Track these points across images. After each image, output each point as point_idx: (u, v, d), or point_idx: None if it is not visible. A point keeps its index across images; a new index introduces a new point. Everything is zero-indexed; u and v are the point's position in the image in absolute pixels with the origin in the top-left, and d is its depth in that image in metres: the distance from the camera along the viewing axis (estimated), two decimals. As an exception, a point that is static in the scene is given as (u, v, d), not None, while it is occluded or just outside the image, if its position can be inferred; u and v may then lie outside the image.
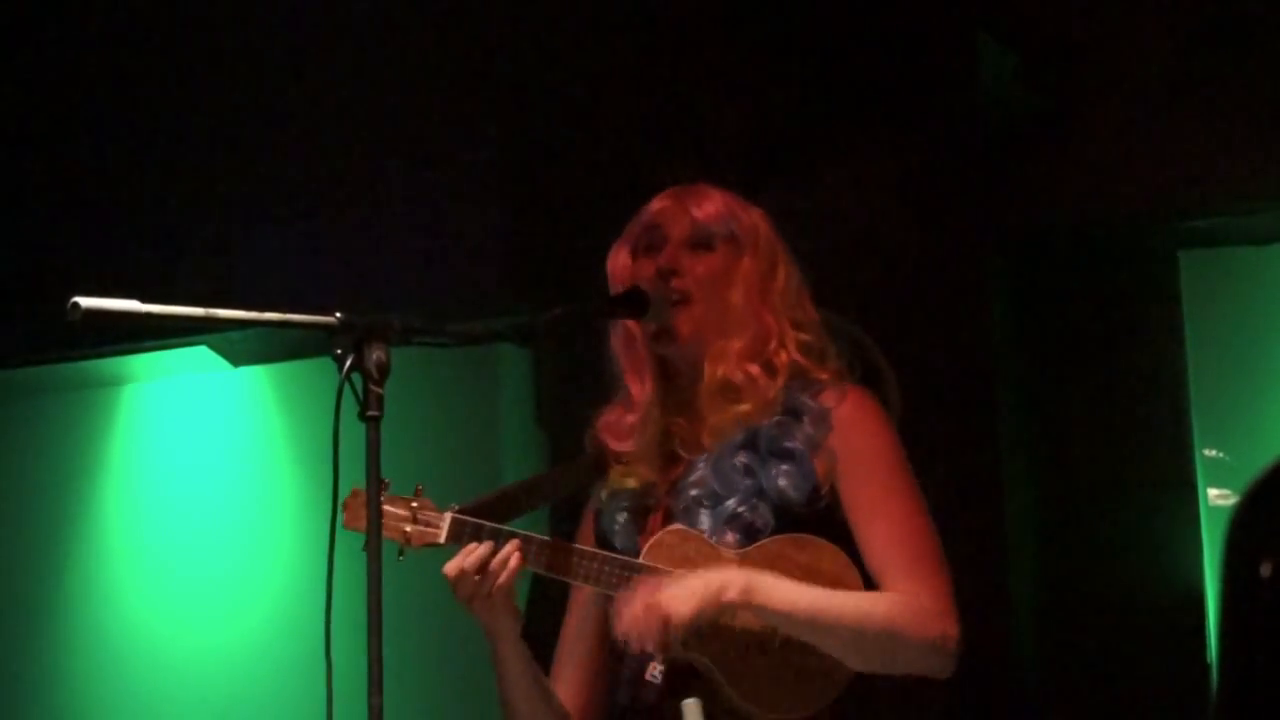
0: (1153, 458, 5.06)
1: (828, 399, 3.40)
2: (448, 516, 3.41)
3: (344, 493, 3.09)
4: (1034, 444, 5.11)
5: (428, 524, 3.41)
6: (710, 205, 3.51)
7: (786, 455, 3.36)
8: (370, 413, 2.94)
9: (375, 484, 2.95)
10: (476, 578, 3.32)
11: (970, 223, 4.99)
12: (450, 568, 3.34)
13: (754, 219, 3.53)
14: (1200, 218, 5.05)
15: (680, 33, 5.18)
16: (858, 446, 3.37)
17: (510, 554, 3.33)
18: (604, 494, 3.52)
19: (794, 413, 3.39)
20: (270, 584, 5.99)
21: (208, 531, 6.15)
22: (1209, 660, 4.86)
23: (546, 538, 3.40)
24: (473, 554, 3.34)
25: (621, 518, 3.47)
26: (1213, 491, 5.01)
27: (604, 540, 3.48)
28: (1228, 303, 5.11)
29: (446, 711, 5.44)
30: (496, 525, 3.39)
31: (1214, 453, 5.04)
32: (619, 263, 3.54)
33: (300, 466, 6.00)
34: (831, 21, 5.04)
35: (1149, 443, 5.06)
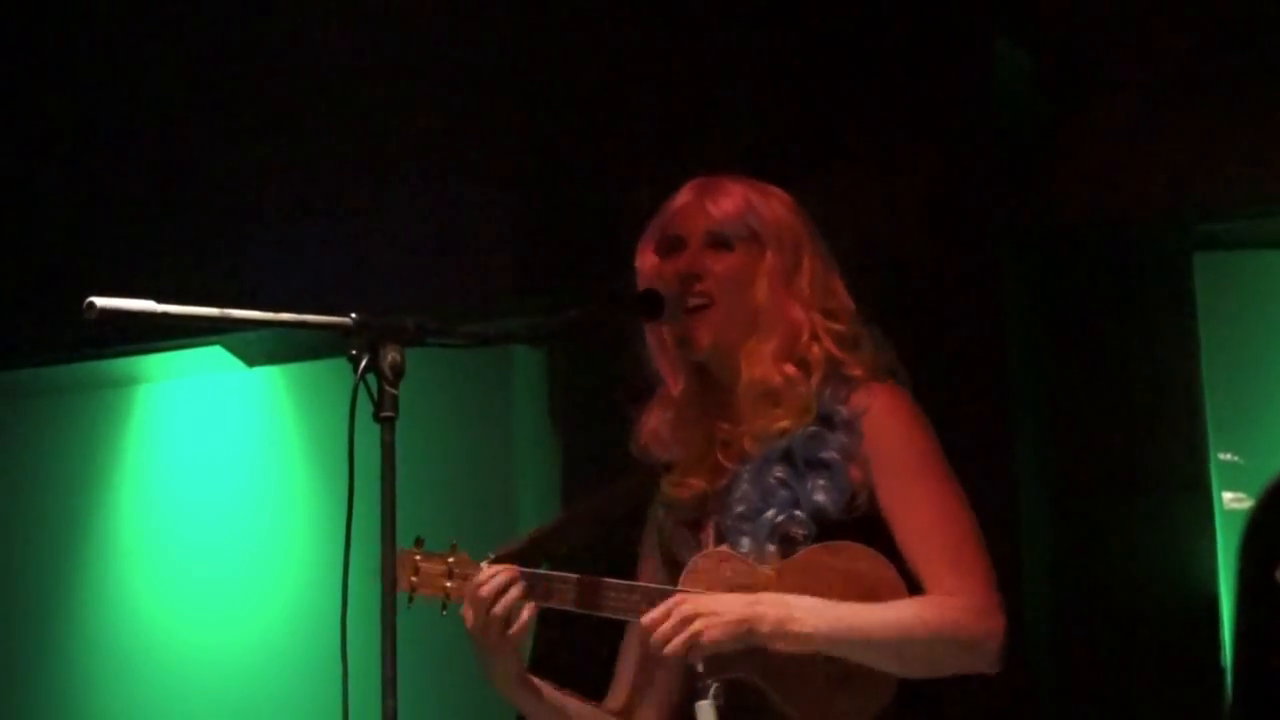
0: (1167, 461, 5.05)
1: (858, 402, 3.38)
2: (483, 566, 3.42)
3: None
4: (1048, 447, 5.10)
5: (465, 577, 3.42)
6: (728, 202, 3.49)
7: (822, 467, 3.35)
8: (385, 414, 2.95)
9: (390, 485, 2.94)
10: (486, 609, 3.34)
11: (984, 225, 4.98)
12: (467, 605, 3.37)
13: (775, 210, 3.50)
14: (1215, 221, 5.05)
15: (693, 34, 5.18)
16: (890, 449, 3.35)
17: (513, 585, 3.35)
18: (659, 508, 3.52)
19: (827, 420, 3.38)
20: (284, 585, 5.99)
21: (222, 532, 6.16)
22: (1224, 663, 4.86)
23: (575, 575, 3.40)
24: (489, 584, 3.36)
25: (679, 534, 3.46)
26: (1227, 495, 5.01)
27: (668, 554, 3.49)
28: (1242, 306, 5.11)
29: (461, 714, 5.44)
30: (534, 570, 3.40)
31: (1228, 456, 5.04)
32: (645, 262, 3.52)
33: (315, 467, 6.00)
34: (844, 24, 5.04)
35: (1163, 446, 5.06)
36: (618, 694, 3.56)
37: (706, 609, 3.24)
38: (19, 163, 5.93)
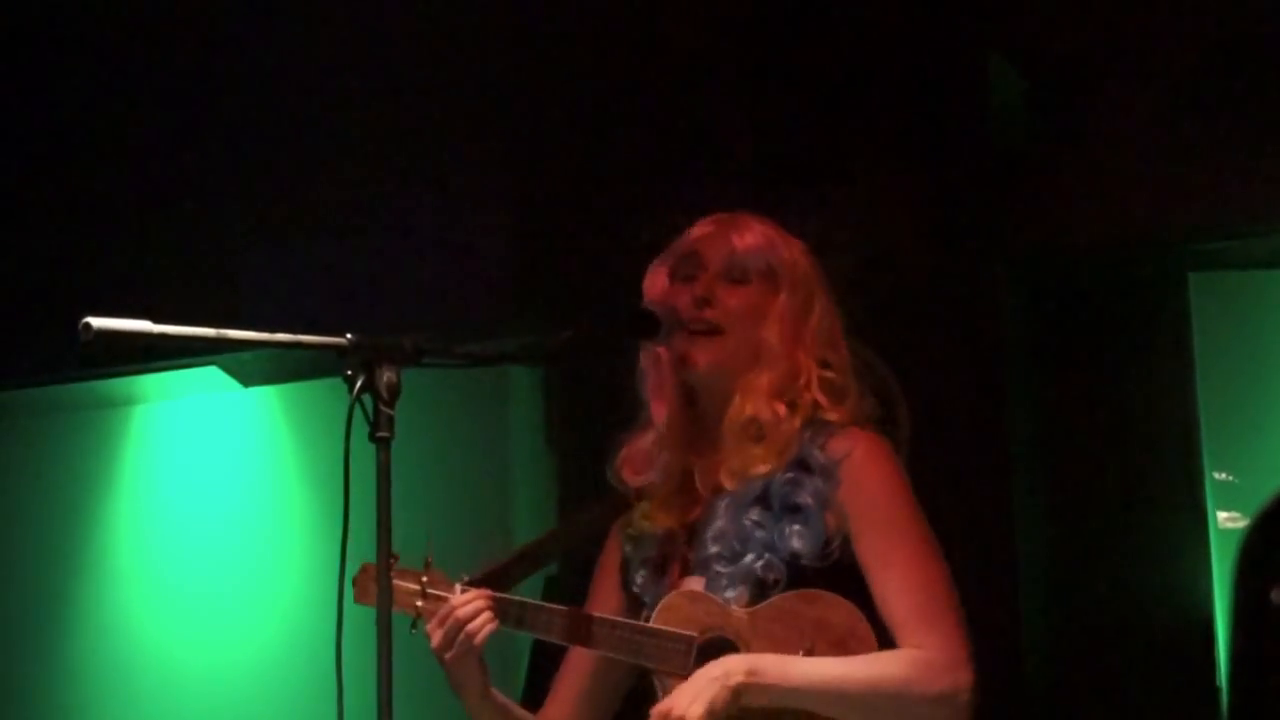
0: (1162, 480, 5.05)
1: (836, 449, 3.38)
2: (457, 589, 3.43)
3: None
4: (1044, 465, 5.11)
5: (439, 597, 3.43)
6: (750, 237, 3.49)
7: (797, 511, 3.35)
8: (380, 434, 2.95)
9: (385, 505, 2.94)
10: (455, 634, 3.37)
11: (981, 245, 4.99)
12: (435, 625, 3.40)
13: (794, 253, 3.51)
14: (1210, 240, 5.05)
15: (692, 55, 5.18)
16: (866, 498, 3.35)
17: (483, 612, 3.37)
18: (627, 543, 3.52)
19: (804, 464, 3.38)
20: (280, 604, 5.99)
21: (218, 552, 6.16)
22: (1219, 683, 4.86)
23: (558, 606, 3.42)
24: (462, 609, 3.38)
25: (644, 572, 3.47)
26: (1222, 514, 5.01)
27: (629, 590, 3.50)
28: (1237, 325, 5.11)
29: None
30: (507, 596, 3.41)
31: (1223, 475, 5.04)
32: (656, 284, 3.52)
33: (310, 487, 6.00)
34: (842, 43, 5.05)
35: (1159, 465, 5.06)
36: (554, 709, 3.57)
37: (679, 699, 3.23)
38: (15, 183, 5.94)
